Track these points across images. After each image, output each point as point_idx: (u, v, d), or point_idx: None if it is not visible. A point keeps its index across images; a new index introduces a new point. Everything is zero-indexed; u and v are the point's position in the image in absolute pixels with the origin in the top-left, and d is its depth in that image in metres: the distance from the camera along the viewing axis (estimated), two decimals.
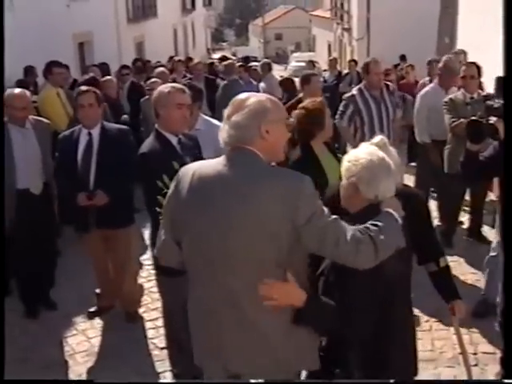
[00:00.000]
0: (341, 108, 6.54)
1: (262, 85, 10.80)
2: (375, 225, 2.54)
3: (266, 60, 13.13)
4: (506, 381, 2.18)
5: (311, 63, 15.02)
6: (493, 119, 3.97)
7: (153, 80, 8.00)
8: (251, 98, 2.60)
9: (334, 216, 2.52)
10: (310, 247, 2.53)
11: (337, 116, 6.43)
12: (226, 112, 2.62)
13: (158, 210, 3.06)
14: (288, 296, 2.54)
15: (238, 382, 2.81)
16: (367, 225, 2.54)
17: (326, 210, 2.52)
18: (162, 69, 9.45)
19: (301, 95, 6.83)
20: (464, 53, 8.38)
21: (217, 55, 36.45)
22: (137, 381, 4.39)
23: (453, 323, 3.47)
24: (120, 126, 5.44)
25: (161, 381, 4.45)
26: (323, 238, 2.46)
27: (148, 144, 3.93)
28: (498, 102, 4.06)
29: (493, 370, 4.30)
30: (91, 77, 8.32)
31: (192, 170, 2.65)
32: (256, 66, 13.05)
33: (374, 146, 2.91)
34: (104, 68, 10.89)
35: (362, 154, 2.78)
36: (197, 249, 2.60)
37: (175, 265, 2.83)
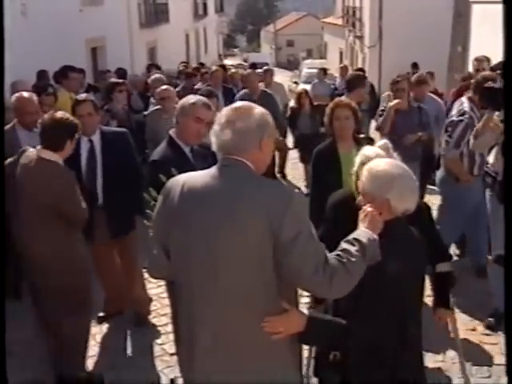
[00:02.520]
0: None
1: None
2: (357, 242, 2.51)
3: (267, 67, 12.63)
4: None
5: (323, 70, 14.98)
6: None
7: (164, 87, 6.87)
8: (256, 108, 2.62)
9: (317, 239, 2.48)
10: (288, 271, 2.44)
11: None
12: (225, 116, 2.58)
13: (146, 223, 3.04)
14: (291, 325, 2.54)
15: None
16: (348, 247, 2.49)
17: (313, 232, 2.47)
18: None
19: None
20: (488, 60, 8.36)
21: (228, 61, 36.61)
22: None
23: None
24: (117, 129, 5.47)
25: None
26: (303, 263, 2.40)
27: (160, 151, 3.93)
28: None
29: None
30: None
31: (182, 181, 2.61)
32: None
33: (379, 149, 2.90)
34: (120, 73, 10.90)
35: (389, 167, 2.72)
36: (185, 261, 2.57)
37: (167, 277, 2.82)
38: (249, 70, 9.04)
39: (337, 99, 5.17)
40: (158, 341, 5.03)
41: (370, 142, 4.93)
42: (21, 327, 5.15)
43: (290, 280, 2.48)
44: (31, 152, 4.11)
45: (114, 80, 7.71)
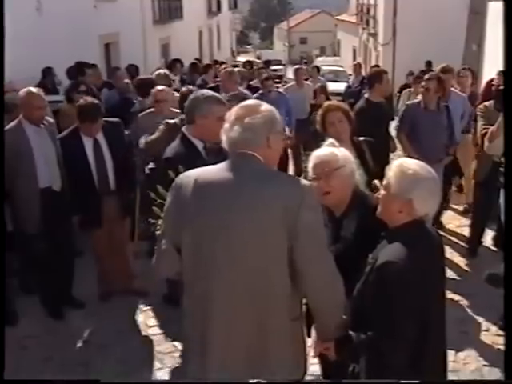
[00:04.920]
0: None
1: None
2: None
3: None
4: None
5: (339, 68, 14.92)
6: None
7: (160, 88, 6.34)
8: (264, 105, 2.69)
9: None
10: (299, 256, 2.52)
11: None
12: (234, 113, 2.65)
13: (151, 221, 3.02)
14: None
15: (240, 382, 2.80)
16: None
17: (324, 231, 2.59)
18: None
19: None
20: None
21: (241, 58, 36.56)
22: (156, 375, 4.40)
23: None
24: (112, 119, 5.59)
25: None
26: (313, 260, 2.52)
27: (173, 148, 3.92)
28: None
29: None
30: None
31: (194, 176, 2.65)
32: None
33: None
34: (131, 70, 10.84)
35: (419, 168, 2.69)
36: (200, 254, 2.59)
37: (174, 275, 2.83)
38: (229, 69, 8.75)
39: (327, 103, 5.14)
40: (171, 337, 5.02)
41: (370, 144, 4.86)
42: (32, 323, 5.21)
43: (301, 268, 2.53)
44: None
45: (144, 77, 7.62)
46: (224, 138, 2.64)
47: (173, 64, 12.10)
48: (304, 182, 2.65)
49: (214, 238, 2.54)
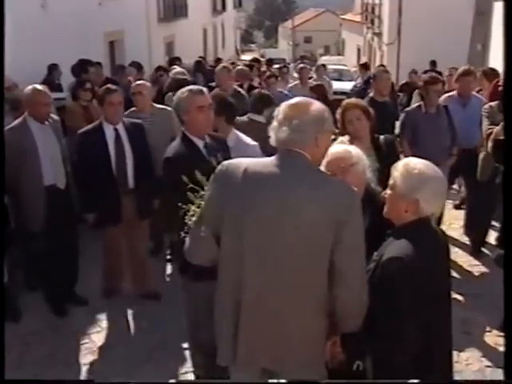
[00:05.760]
0: None
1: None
2: None
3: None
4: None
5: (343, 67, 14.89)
6: None
7: (139, 82, 6.45)
8: (314, 104, 2.69)
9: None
10: (340, 259, 2.55)
11: None
12: (283, 112, 2.66)
13: (184, 206, 2.98)
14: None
15: (247, 383, 2.84)
16: None
17: (363, 233, 2.60)
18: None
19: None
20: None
21: (246, 56, 36.55)
22: (157, 381, 4.39)
23: None
24: (134, 120, 5.58)
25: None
26: (352, 263, 2.56)
27: (173, 148, 3.91)
28: None
29: None
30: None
31: (244, 165, 2.66)
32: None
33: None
34: (136, 67, 10.80)
35: (425, 167, 2.70)
36: (242, 243, 2.61)
37: (207, 262, 2.85)
38: (224, 64, 8.71)
39: (345, 101, 5.12)
40: (172, 335, 5.00)
41: (389, 141, 4.88)
42: (36, 320, 5.22)
43: (340, 272, 2.56)
44: None
45: (178, 77, 7.65)
46: (272, 136, 2.66)
47: (172, 62, 12.15)
48: (351, 187, 2.65)
49: (260, 231, 2.57)
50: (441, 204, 2.77)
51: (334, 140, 3.50)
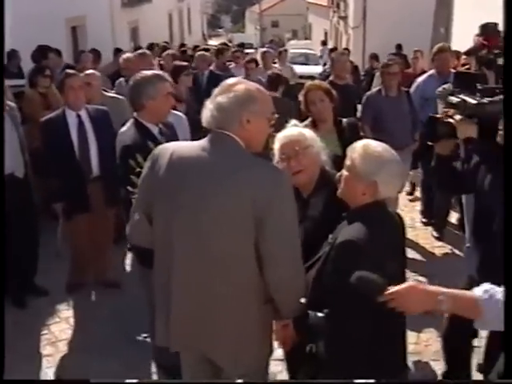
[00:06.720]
0: None
1: None
2: None
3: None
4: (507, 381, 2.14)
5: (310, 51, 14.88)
6: (457, 117, 3.39)
7: (88, 72, 6.13)
8: (240, 84, 2.60)
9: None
10: (266, 248, 2.52)
11: None
12: (213, 92, 2.62)
13: (130, 189, 3.00)
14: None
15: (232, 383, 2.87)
16: None
17: (296, 218, 2.58)
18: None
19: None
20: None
21: (213, 41, 36.30)
22: (118, 369, 4.33)
23: None
24: (98, 106, 5.48)
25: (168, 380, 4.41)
26: (276, 254, 2.51)
27: (130, 135, 3.84)
28: (458, 97, 3.46)
29: None
30: None
31: (171, 149, 2.63)
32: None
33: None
34: (94, 54, 10.61)
35: (383, 150, 2.68)
36: (169, 227, 2.58)
37: (147, 244, 2.82)
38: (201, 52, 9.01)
39: (308, 82, 5.12)
40: (132, 324, 4.97)
41: (354, 127, 4.88)
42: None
43: (266, 257, 2.52)
44: None
45: (178, 63, 7.52)
46: (202, 115, 2.61)
47: (116, 53, 12.02)
48: (281, 170, 2.62)
49: (185, 217, 2.53)
50: (398, 187, 2.76)
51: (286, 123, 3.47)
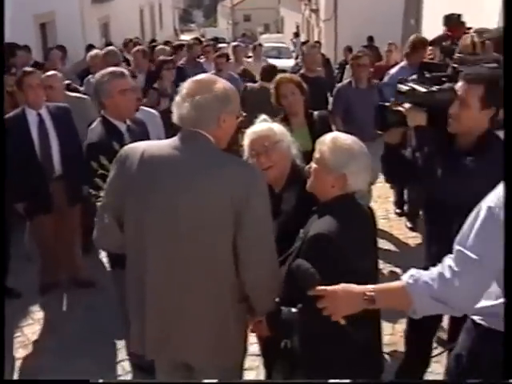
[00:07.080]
0: None
1: None
2: None
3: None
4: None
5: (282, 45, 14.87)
6: (406, 106, 3.32)
7: (50, 73, 5.76)
8: (219, 82, 2.57)
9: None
10: (244, 245, 2.50)
11: None
12: (187, 88, 2.55)
13: (92, 192, 2.93)
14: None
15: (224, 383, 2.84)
16: None
17: (270, 217, 2.57)
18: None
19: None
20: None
21: (185, 36, 36.10)
22: (93, 369, 4.27)
23: None
24: (58, 103, 5.37)
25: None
26: (254, 250, 2.50)
27: (96, 133, 3.79)
28: (407, 86, 3.37)
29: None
30: None
31: (141, 149, 2.57)
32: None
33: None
34: (61, 51, 10.48)
35: (352, 142, 2.68)
36: (142, 229, 2.53)
37: (115, 249, 2.78)
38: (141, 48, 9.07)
39: (279, 75, 5.10)
40: (107, 324, 4.92)
41: (325, 120, 4.86)
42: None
43: (243, 256, 2.51)
44: None
45: (162, 58, 7.43)
46: (174, 111, 2.55)
47: (89, 49, 11.86)
48: (255, 167, 2.61)
49: (158, 216, 2.48)
50: (368, 180, 2.75)
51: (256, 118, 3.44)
